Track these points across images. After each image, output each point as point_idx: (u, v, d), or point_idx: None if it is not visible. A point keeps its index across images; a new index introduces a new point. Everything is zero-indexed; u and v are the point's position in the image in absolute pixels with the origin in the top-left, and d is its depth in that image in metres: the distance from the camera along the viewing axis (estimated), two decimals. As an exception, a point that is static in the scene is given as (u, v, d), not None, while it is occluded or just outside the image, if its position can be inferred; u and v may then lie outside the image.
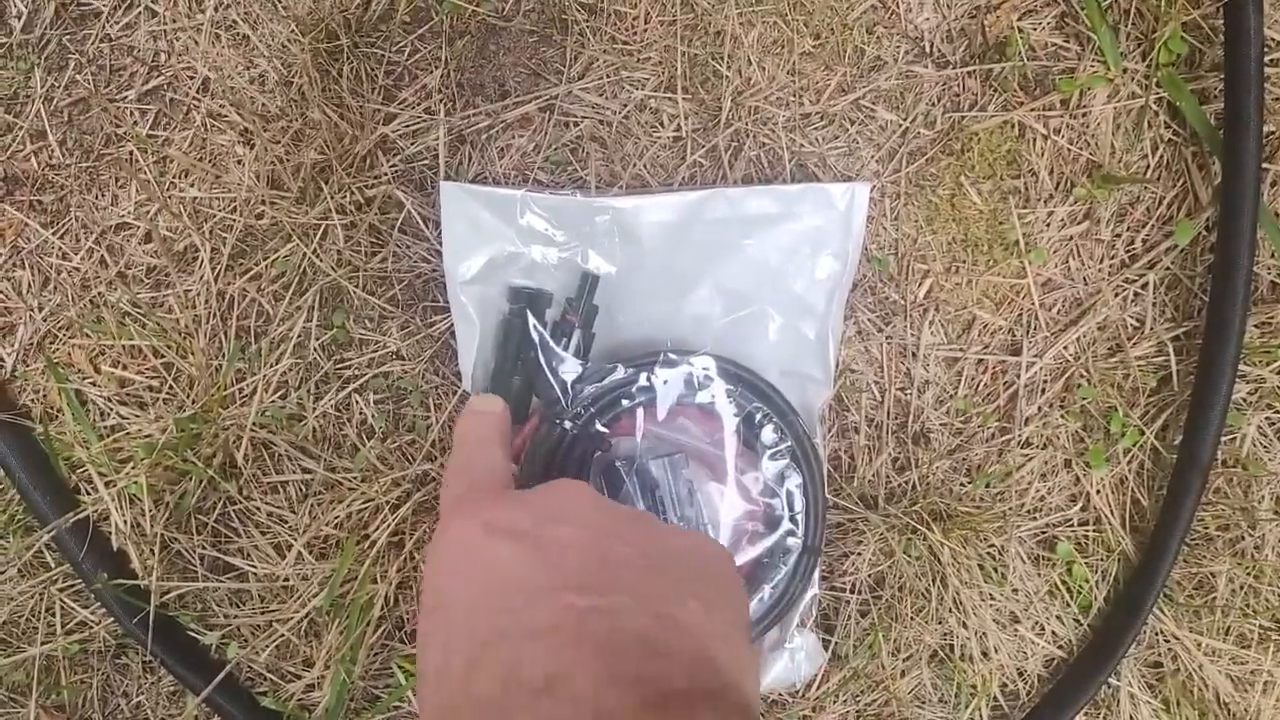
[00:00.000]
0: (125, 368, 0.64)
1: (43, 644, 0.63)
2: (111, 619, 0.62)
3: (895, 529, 0.63)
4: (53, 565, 0.63)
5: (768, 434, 0.59)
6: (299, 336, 0.63)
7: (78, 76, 0.65)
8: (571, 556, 0.33)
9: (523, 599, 0.31)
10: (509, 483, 0.43)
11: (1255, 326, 0.65)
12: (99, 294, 0.64)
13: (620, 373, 0.59)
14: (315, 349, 0.63)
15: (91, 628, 0.63)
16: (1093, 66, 0.63)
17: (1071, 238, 0.65)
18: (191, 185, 0.64)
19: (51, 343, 0.64)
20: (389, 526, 0.62)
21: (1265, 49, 0.59)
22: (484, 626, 0.31)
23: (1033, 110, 0.64)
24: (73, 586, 0.63)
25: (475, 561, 0.34)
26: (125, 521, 0.61)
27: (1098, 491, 0.65)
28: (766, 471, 0.60)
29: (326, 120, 0.61)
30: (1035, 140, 0.64)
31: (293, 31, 0.62)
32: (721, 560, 0.38)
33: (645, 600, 0.32)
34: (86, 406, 0.63)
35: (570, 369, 0.59)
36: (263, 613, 0.62)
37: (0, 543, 0.63)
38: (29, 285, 0.64)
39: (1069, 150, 0.64)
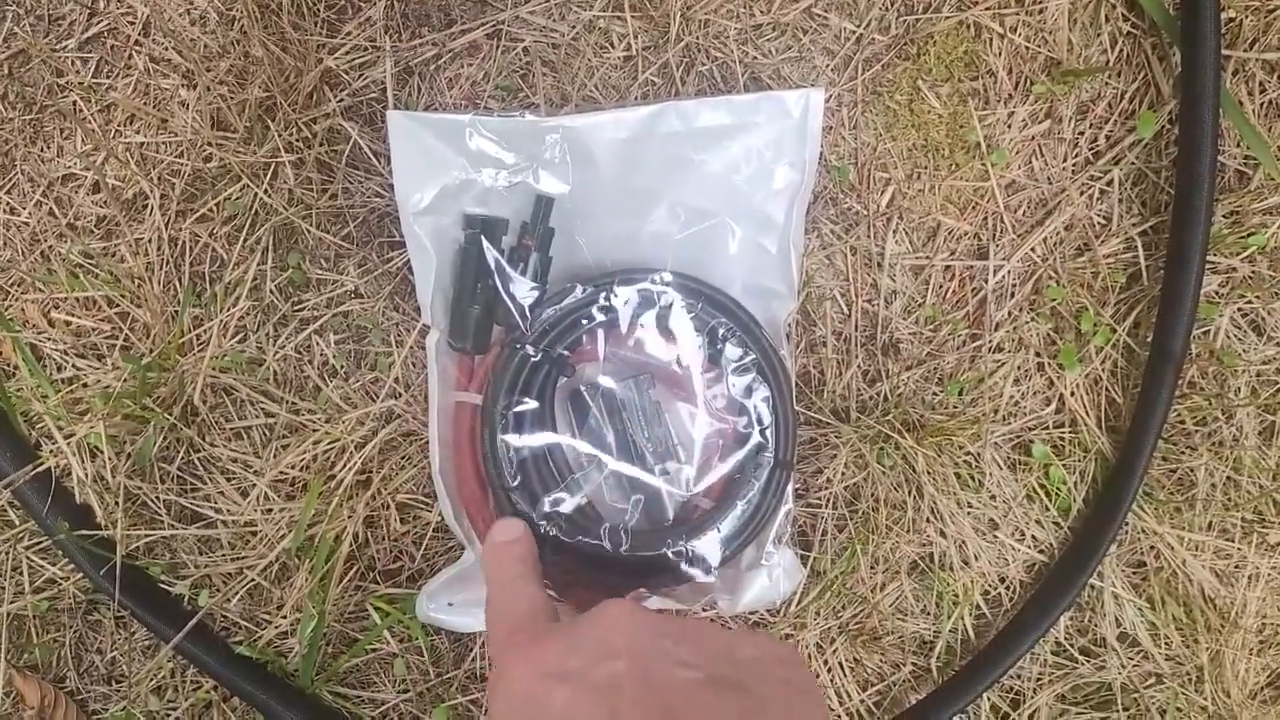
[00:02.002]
0: (79, 319, 0.63)
1: (11, 603, 0.62)
2: (81, 575, 0.61)
3: (868, 440, 0.62)
4: (17, 523, 0.62)
5: (731, 349, 0.58)
6: (254, 279, 0.62)
7: (15, 28, 0.63)
8: (626, 693, 0.32)
9: None
10: (550, 614, 0.42)
11: (1224, 216, 0.64)
12: (49, 246, 0.63)
13: (578, 293, 0.58)
14: (271, 291, 0.62)
15: (60, 584, 0.63)
16: (1046, -40, 0.62)
17: (1033, 137, 0.64)
18: (137, 132, 0.63)
19: (3, 298, 0.63)
20: (355, 465, 0.61)
21: (1218, -71, 0.58)
22: None
23: (988, 9, 0.63)
24: (39, 544, 0.62)
25: (533, 713, 0.34)
26: (87, 473, 0.60)
27: (1072, 393, 0.64)
28: (733, 387, 0.59)
29: (269, 56, 0.60)
30: (992, 40, 0.63)
31: (229, -34, 0.61)
32: (792, 664, 0.36)
33: None
34: (42, 360, 0.62)
35: (528, 294, 0.58)
36: (233, 559, 0.62)
37: (-36, 504, 0.62)
38: (-23, 242, 0.63)
39: (1026, 48, 0.63)
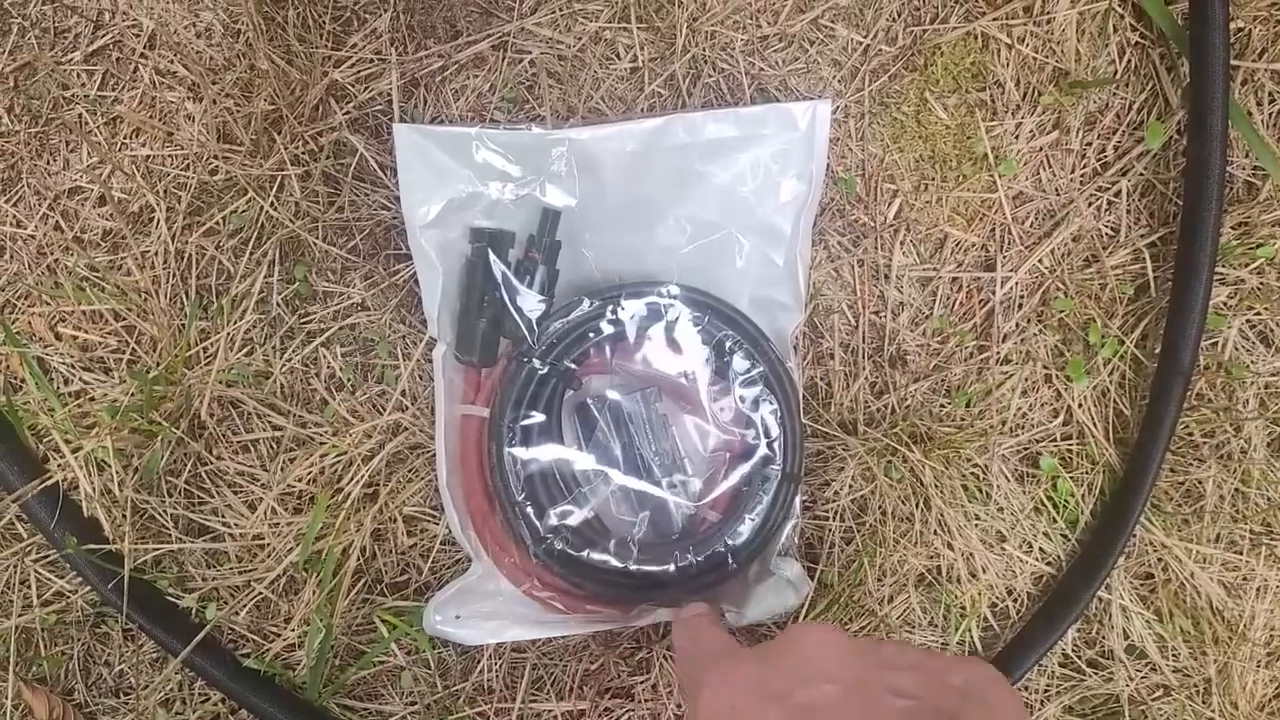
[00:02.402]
0: (86, 333, 0.63)
1: (19, 616, 0.62)
2: (89, 588, 0.61)
3: (875, 453, 0.62)
4: (25, 536, 0.62)
5: (738, 361, 0.58)
6: (261, 292, 0.62)
7: (21, 41, 0.63)
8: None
9: None
10: (740, 648, 0.42)
11: (1232, 228, 0.64)
12: (56, 260, 0.63)
13: (585, 306, 0.58)
14: (278, 304, 0.62)
15: (69, 598, 0.63)
16: (1053, -29, 0.62)
17: (1041, 148, 0.64)
18: (143, 144, 0.63)
19: (10, 312, 0.63)
20: (362, 478, 0.61)
21: (1227, -60, 0.58)
22: None
23: (995, 20, 0.62)
24: (47, 557, 0.62)
25: None
26: (94, 487, 0.60)
27: (1079, 405, 0.64)
28: (740, 400, 0.59)
29: (274, 69, 0.60)
30: (999, 50, 0.63)
31: (234, -21, 0.61)
32: (1001, 689, 0.35)
33: None
34: (49, 374, 0.62)
35: (535, 307, 0.58)
36: (240, 572, 0.62)
37: (-29, 517, 0.63)
38: (-16, 255, 0.63)
39: (1034, 59, 0.63)
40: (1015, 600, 0.65)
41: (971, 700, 0.33)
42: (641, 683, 0.63)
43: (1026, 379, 0.64)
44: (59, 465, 0.61)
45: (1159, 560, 0.65)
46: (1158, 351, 0.62)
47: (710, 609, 0.51)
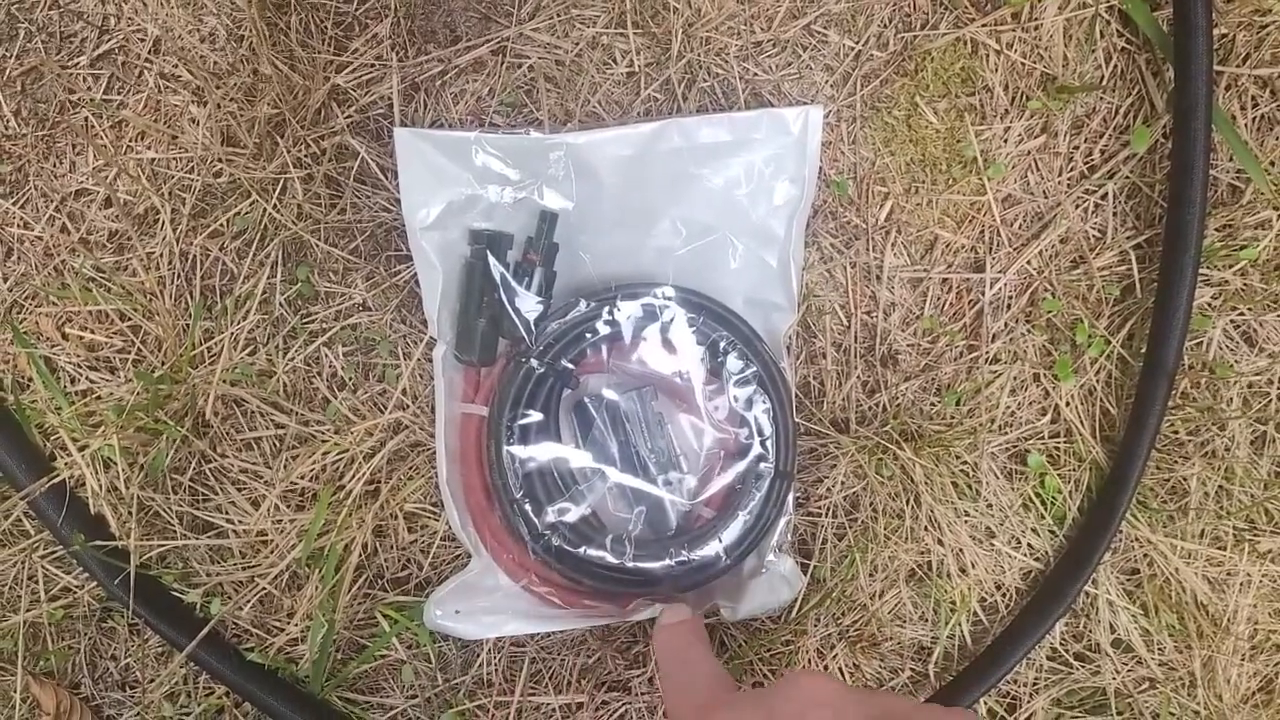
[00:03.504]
0: (93, 332, 0.64)
1: (27, 611, 0.63)
2: (95, 583, 0.63)
3: (867, 450, 0.63)
4: (33, 533, 0.63)
5: (733, 361, 0.60)
6: (264, 292, 0.63)
7: (29, 45, 0.64)
8: None
9: None
10: (731, 684, 0.42)
11: (1216, 230, 0.65)
12: (62, 261, 0.64)
13: (582, 308, 0.59)
14: (281, 304, 0.63)
15: (75, 593, 0.64)
16: (1041, -22, 0.63)
17: (1029, 152, 0.65)
18: (148, 147, 0.64)
19: (18, 312, 0.64)
20: (364, 475, 0.62)
21: (1210, -52, 0.59)
22: None
23: (984, 25, 0.64)
24: (54, 553, 0.64)
25: None
26: (100, 484, 0.61)
27: (1067, 403, 0.65)
28: (734, 399, 0.60)
29: (277, 74, 0.61)
30: (988, 56, 0.64)
31: (238, -15, 0.62)
32: None
33: None
34: (56, 373, 0.64)
35: (533, 308, 0.59)
36: (244, 568, 0.63)
37: (-21, 514, 0.64)
38: (-8, 256, 0.64)
39: (1022, 64, 0.64)
40: (1004, 595, 0.66)
41: None
42: (638, 676, 0.64)
43: (1015, 378, 0.65)
44: (66, 463, 0.62)
45: (1145, 556, 0.66)
46: (1143, 351, 0.64)
47: (694, 616, 0.51)
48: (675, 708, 0.42)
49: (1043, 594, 0.64)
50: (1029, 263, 0.65)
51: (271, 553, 0.63)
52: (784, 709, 0.35)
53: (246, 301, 0.63)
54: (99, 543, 0.61)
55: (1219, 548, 0.66)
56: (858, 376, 0.65)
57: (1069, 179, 0.65)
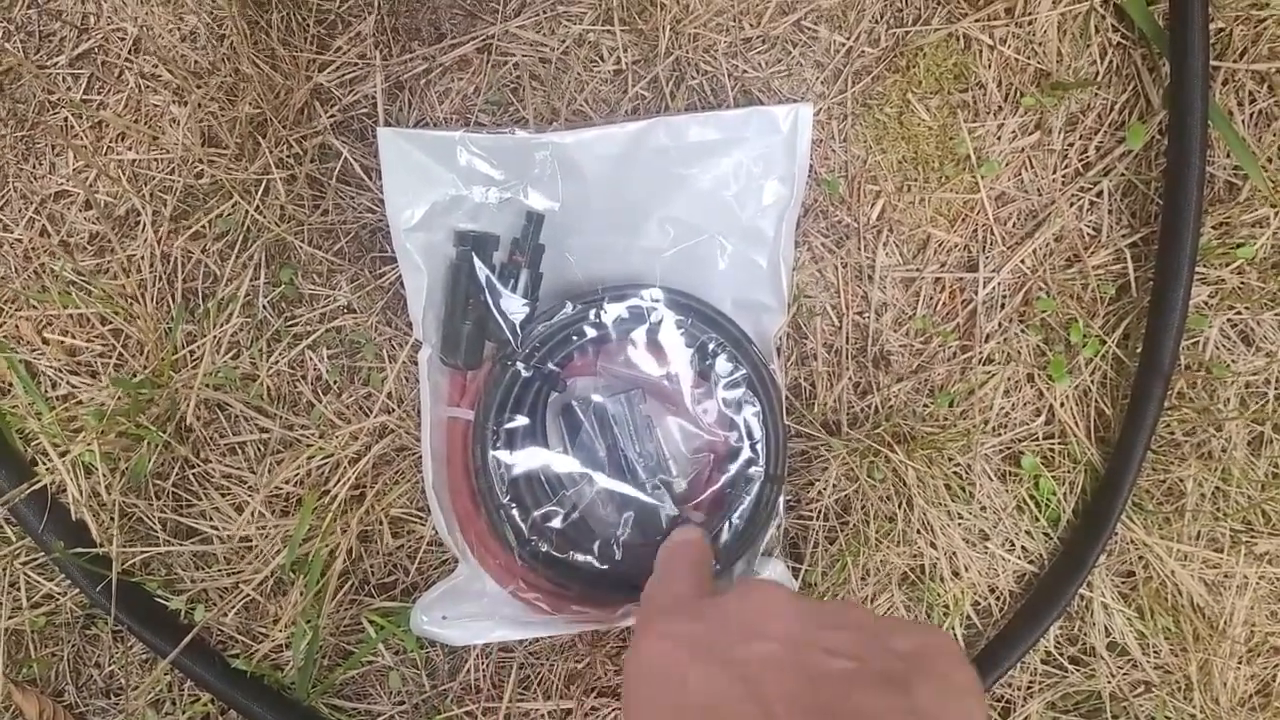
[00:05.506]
0: (73, 337, 0.63)
1: (9, 619, 0.63)
2: (77, 590, 0.62)
3: (859, 453, 0.62)
4: (14, 539, 0.63)
5: (722, 363, 0.59)
6: (247, 295, 0.62)
7: (6, 45, 0.63)
8: (772, 679, 0.30)
9: None
10: (693, 598, 0.41)
11: (1213, 228, 0.64)
12: (42, 264, 0.63)
13: (568, 310, 0.58)
14: (264, 306, 0.63)
15: (58, 600, 0.63)
16: (1035, -28, 0.62)
17: (1023, 149, 0.64)
18: (128, 148, 0.63)
19: (-3, 316, 0.63)
20: (349, 480, 0.61)
21: (1207, -58, 0.58)
22: None
23: (977, 21, 0.63)
24: (35, 560, 0.63)
25: (669, 691, 0.32)
26: (81, 490, 0.61)
27: (1061, 404, 0.64)
28: (723, 402, 0.59)
29: (259, 73, 0.60)
30: (981, 52, 0.63)
31: (218, -17, 0.61)
32: (952, 658, 0.33)
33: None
34: (36, 378, 0.63)
35: (519, 310, 0.58)
36: (228, 574, 0.62)
37: (-39, 521, 0.63)
38: (-30, 260, 0.63)
39: (1016, 60, 0.63)
40: (998, 598, 0.65)
41: (921, 669, 0.31)
42: (627, 682, 0.63)
43: (1009, 378, 0.65)
44: (47, 469, 0.61)
45: (1140, 558, 0.65)
46: (1139, 351, 0.63)
47: (702, 538, 0.49)
48: (646, 600, 0.41)
49: (1037, 597, 0.63)
50: (1023, 262, 0.64)
51: (256, 558, 0.62)
52: (730, 614, 0.34)
53: (229, 304, 0.62)
54: (80, 549, 0.60)
55: (1215, 550, 0.65)
56: (849, 378, 0.64)
57: (1063, 176, 0.64)
